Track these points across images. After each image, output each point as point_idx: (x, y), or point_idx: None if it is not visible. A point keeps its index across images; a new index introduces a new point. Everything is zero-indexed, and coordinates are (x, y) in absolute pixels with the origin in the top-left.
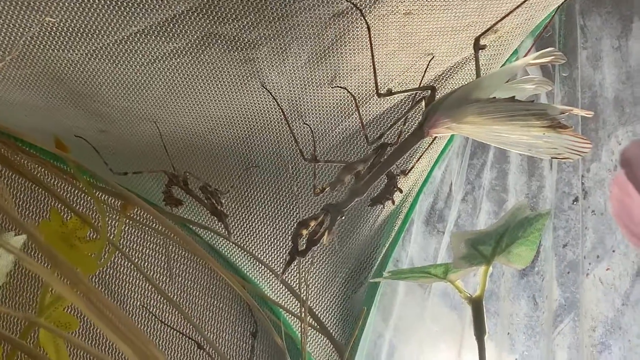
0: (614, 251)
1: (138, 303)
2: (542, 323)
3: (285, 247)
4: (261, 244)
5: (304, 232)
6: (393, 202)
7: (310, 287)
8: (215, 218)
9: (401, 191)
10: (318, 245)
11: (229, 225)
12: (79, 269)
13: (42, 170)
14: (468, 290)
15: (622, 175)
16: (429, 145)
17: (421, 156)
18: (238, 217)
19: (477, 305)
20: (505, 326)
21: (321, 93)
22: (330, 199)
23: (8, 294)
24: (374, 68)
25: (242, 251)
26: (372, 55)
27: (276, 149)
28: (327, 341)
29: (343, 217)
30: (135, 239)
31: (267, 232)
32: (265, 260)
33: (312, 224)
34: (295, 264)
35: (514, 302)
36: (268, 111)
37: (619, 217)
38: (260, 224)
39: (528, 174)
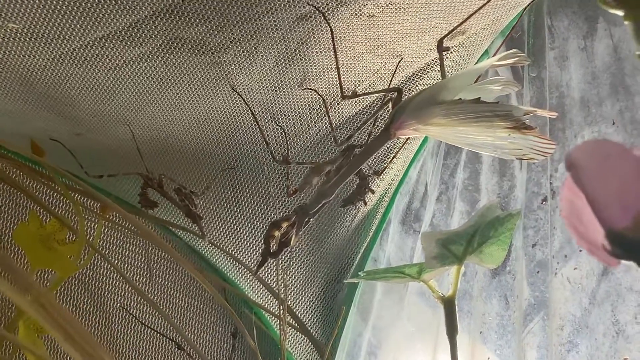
0: (580, 251)
1: (118, 304)
2: (513, 322)
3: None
4: (239, 244)
5: (276, 233)
6: (365, 203)
7: (289, 286)
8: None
9: (373, 192)
10: (288, 247)
11: (203, 227)
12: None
13: (20, 173)
14: (443, 290)
15: (572, 179)
16: (402, 146)
17: (394, 157)
18: (216, 218)
19: (449, 305)
20: (477, 325)
21: (292, 95)
22: (305, 199)
23: None
24: (338, 70)
25: (221, 251)
26: (336, 58)
27: (251, 151)
28: (308, 341)
29: (311, 219)
30: (114, 241)
31: (245, 232)
32: (244, 260)
33: (284, 225)
34: (274, 264)
35: (486, 301)
36: (241, 113)
37: (568, 219)
38: (238, 225)
39: (499, 174)
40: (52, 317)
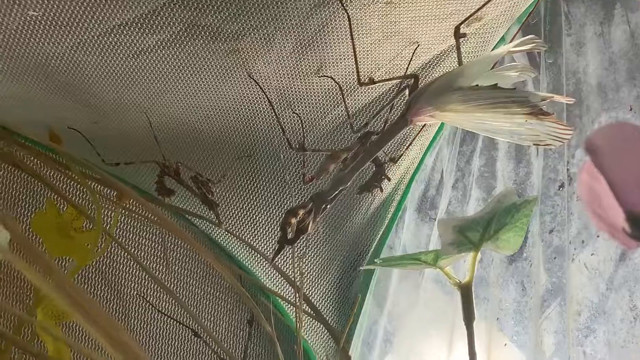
0: (598, 236)
1: (135, 292)
2: (530, 308)
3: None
4: (255, 232)
5: (293, 220)
6: (381, 190)
7: (305, 274)
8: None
9: (389, 179)
10: (305, 234)
11: (219, 214)
12: (72, 259)
13: (38, 162)
14: (460, 277)
15: (591, 163)
16: (417, 134)
17: (410, 144)
18: (232, 206)
19: (466, 291)
20: (494, 311)
21: (309, 83)
22: (322, 187)
23: (3, 284)
24: (355, 57)
25: (237, 240)
26: (353, 44)
27: (267, 138)
28: (324, 328)
29: (328, 206)
30: (131, 229)
31: (261, 221)
32: (260, 248)
33: (301, 212)
34: (290, 252)
35: (502, 287)
36: (257, 101)
37: (588, 203)
38: (254, 212)
39: (516, 161)
40: (74, 300)
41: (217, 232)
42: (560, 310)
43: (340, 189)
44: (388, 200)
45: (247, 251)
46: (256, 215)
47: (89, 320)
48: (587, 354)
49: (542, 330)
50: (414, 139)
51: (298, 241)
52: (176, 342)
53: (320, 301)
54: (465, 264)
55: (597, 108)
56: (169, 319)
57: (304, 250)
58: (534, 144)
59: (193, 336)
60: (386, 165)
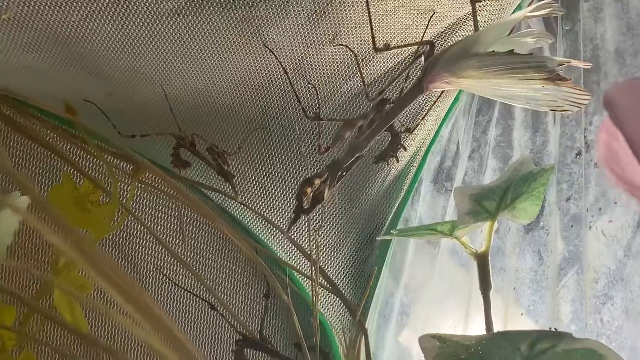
0: (615, 203)
1: (151, 266)
2: (547, 277)
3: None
4: (271, 205)
5: (309, 190)
6: (397, 160)
7: (321, 247)
8: (223, 179)
9: (405, 149)
10: (321, 203)
11: (235, 185)
12: (89, 232)
13: (54, 135)
14: (476, 247)
15: (609, 120)
16: (434, 104)
17: (426, 114)
18: (247, 179)
19: (482, 261)
20: (511, 281)
21: (324, 52)
22: (337, 158)
23: (21, 257)
24: (371, 22)
25: (253, 213)
26: (369, 10)
27: (283, 110)
28: (340, 302)
29: (344, 174)
30: (147, 203)
31: (277, 193)
32: (276, 221)
33: (317, 182)
34: (305, 225)
35: (519, 257)
36: (272, 71)
37: (606, 161)
38: (270, 185)
39: (532, 130)
40: (95, 263)
41: (233, 206)
42: (578, 278)
43: (356, 156)
44: (404, 172)
45: (262, 225)
46: (272, 188)
47: (110, 282)
48: (605, 321)
49: (559, 298)
50: (429, 108)
51: (314, 211)
52: (193, 315)
53: (337, 274)
54: (481, 234)
55: (615, 74)
56: (186, 292)
57: (320, 223)
58: (550, 110)
59: (210, 309)
60: (402, 135)
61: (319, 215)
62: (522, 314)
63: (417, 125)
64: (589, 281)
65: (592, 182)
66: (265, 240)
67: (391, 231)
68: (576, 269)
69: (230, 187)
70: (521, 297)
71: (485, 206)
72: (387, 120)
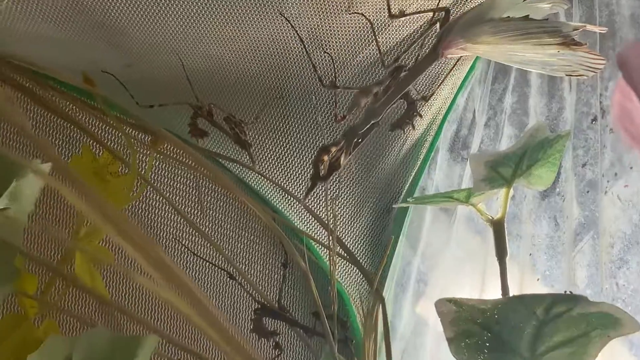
0: (631, 168)
1: (170, 236)
2: (563, 243)
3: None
4: (288, 175)
5: (325, 158)
6: (413, 127)
7: (338, 217)
8: (240, 148)
9: (421, 116)
10: (337, 170)
11: (253, 154)
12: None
13: (73, 107)
14: (492, 214)
15: (623, 81)
16: (449, 71)
17: (442, 82)
18: (265, 149)
19: (498, 227)
20: (527, 248)
21: (340, 20)
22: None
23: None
24: None
25: (270, 183)
26: None
27: (299, 79)
28: (357, 271)
29: (360, 141)
30: (166, 173)
31: (294, 163)
32: (293, 191)
33: (333, 149)
34: (323, 194)
35: (535, 223)
36: (289, 40)
37: (619, 121)
38: (287, 155)
39: (548, 96)
40: (117, 224)
41: (251, 177)
42: (593, 243)
43: (372, 122)
44: (420, 141)
45: (280, 195)
46: (289, 158)
47: (133, 245)
48: (620, 285)
49: (575, 263)
50: (445, 76)
51: (331, 181)
52: (212, 285)
53: (354, 244)
54: (497, 202)
55: (631, 39)
56: (204, 262)
57: (337, 193)
58: (566, 75)
59: (228, 279)
60: (418, 103)
61: (336, 185)
62: (538, 279)
63: (433, 94)
64: (605, 246)
65: (607, 147)
66: (283, 211)
67: (408, 199)
68: (592, 234)
69: (247, 157)
70: (537, 263)
71: (501, 173)
72: (402, 87)
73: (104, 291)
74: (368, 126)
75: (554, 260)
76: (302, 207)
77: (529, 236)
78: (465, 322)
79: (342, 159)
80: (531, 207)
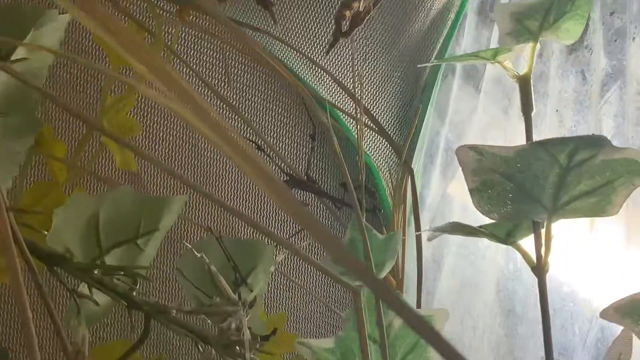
0: None
1: None
2: (590, 97)
3: (338, 47)
4: (314, 46)
5: (347, 13)
6: None
7: (365, 87)
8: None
9: None
10: (360, 25)
11: (275, 13)
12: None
13: None
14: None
15: None
16: None
17: None
18: (290, 20)
19: (524, 83)
20: (553, 105)
21: None
22: None
23: (68, 97)
24: None
25: (296, 52)
26: None
27: None
28: (386, 143)
29: None
30: (192, 45)
31: (320, 34)
32: (319, 62)
33: (355, 5)
34: (349, 63)
35: (562, 78)
36: None
37: None
38: (313, 26)
39: None
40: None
41: (277, 49)
42: (620, 92)
43: None
44: (448, 6)
45: (306, 67)
46: (315, 29)
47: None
48: None
49: (602, 115)
50: None
51: (356, 39)
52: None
53: (382, 115)
54: (524, 61)
55: None
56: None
57: (364, 57)
58: None
59: (257, 150)
60: None
61: (362, 53)
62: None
63: None
64: (632, 94)
65: None
66: (310, 83)
67: (433, 60)
68: (619, 83)
69: (270, 17)
70: (564, 118)
71: (528, 26)
72: None
73: (132, 163)
74: None
75: (581, 114)
76: (329, 77)
77: (555, 92)
78: (487, 172)
79: (364, 14)
80: (558, 63)
